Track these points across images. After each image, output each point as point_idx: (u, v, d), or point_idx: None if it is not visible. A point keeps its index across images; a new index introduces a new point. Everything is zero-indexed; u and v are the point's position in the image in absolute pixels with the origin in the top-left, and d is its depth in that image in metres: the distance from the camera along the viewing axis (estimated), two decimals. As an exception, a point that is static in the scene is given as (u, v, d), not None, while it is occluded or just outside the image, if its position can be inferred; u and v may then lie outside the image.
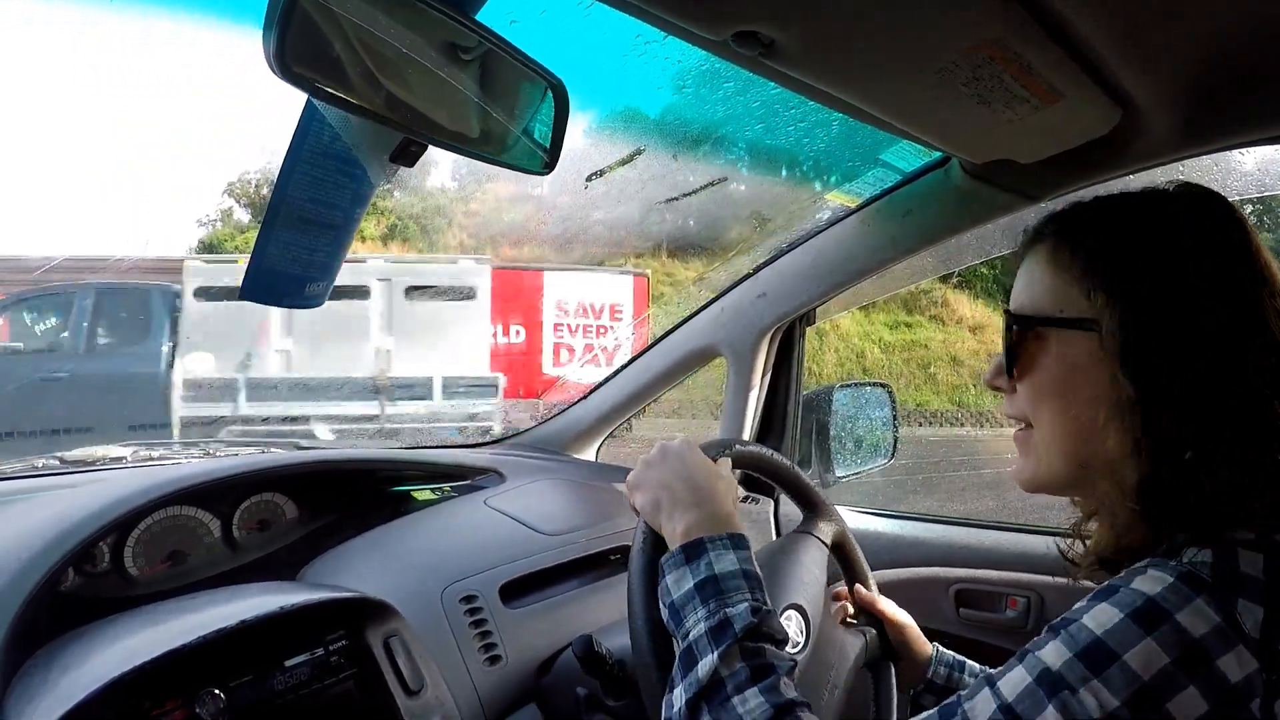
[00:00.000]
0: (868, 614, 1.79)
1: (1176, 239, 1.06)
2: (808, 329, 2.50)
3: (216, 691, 1.32)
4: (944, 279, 18.11)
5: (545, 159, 1.20)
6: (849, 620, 1.78)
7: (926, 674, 1.73)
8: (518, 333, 16.46)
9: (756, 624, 1.16)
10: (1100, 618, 0.92)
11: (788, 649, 1.39)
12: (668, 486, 1.37)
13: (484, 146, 1.14)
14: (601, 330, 21.77)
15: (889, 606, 1.79)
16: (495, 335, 16.16)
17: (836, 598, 1.79)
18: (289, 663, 1.44)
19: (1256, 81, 1.42)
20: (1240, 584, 0.92)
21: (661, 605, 1.28)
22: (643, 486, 1.41)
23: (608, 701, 1.55)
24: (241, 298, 1.13)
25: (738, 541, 1.28)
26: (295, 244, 1.13)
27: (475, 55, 1.07)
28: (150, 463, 2.04)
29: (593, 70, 1.30)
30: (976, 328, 19.80)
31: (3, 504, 1.62)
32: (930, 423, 18.03)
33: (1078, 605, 0.97)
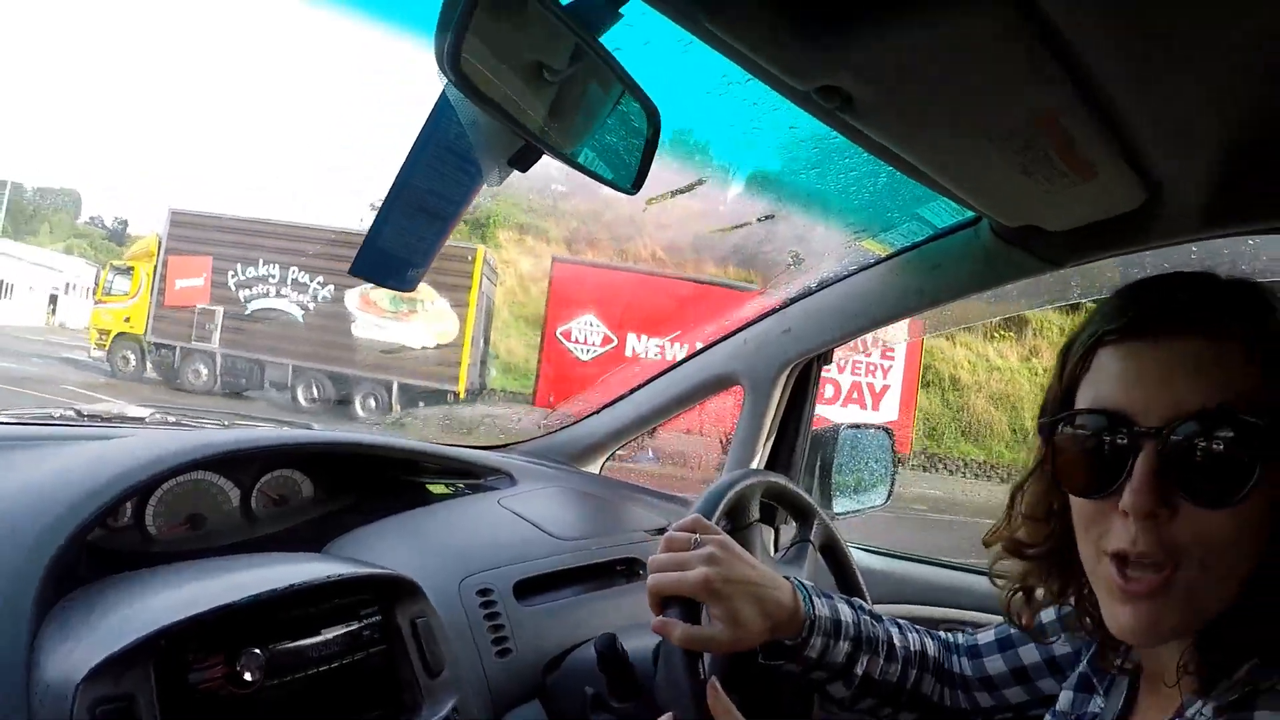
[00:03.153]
0: None
1: None
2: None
3: (257, 651, 1.36)
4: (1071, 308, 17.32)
5: (635, 178, 1.27)
6: None
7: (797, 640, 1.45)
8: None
9: None
10: None
11: None
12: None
13: (589, 160, 1.21)
14: (871, 369, 21.18)
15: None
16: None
17: None
18: (326, 632, 1.48)
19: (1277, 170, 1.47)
20: None
21: None
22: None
23: (613, 702, 1.61)
24: (351, 272, 1.19)
25: None
26: (407, 229, 1.20)
27: (591, 75, 1.15)
28: (168, 426, 2.07)
29: (677, 103, 1.36)
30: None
31: (31, 448, 1.63)
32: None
33: None
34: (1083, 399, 1.09)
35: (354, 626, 1.53)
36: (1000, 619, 1.50)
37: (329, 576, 1.50)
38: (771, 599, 1.40)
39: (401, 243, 1.22)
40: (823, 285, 2.35)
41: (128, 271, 24.93)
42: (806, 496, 1.96)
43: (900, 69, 1.18)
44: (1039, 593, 1.28)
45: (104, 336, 24.62)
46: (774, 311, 2.45)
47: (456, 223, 1.25)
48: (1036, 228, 1.80)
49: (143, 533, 1.71)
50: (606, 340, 20.52)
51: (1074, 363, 1.11)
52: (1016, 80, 1.19)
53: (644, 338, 19.85)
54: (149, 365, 24.27)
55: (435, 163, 1.16)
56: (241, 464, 1.87)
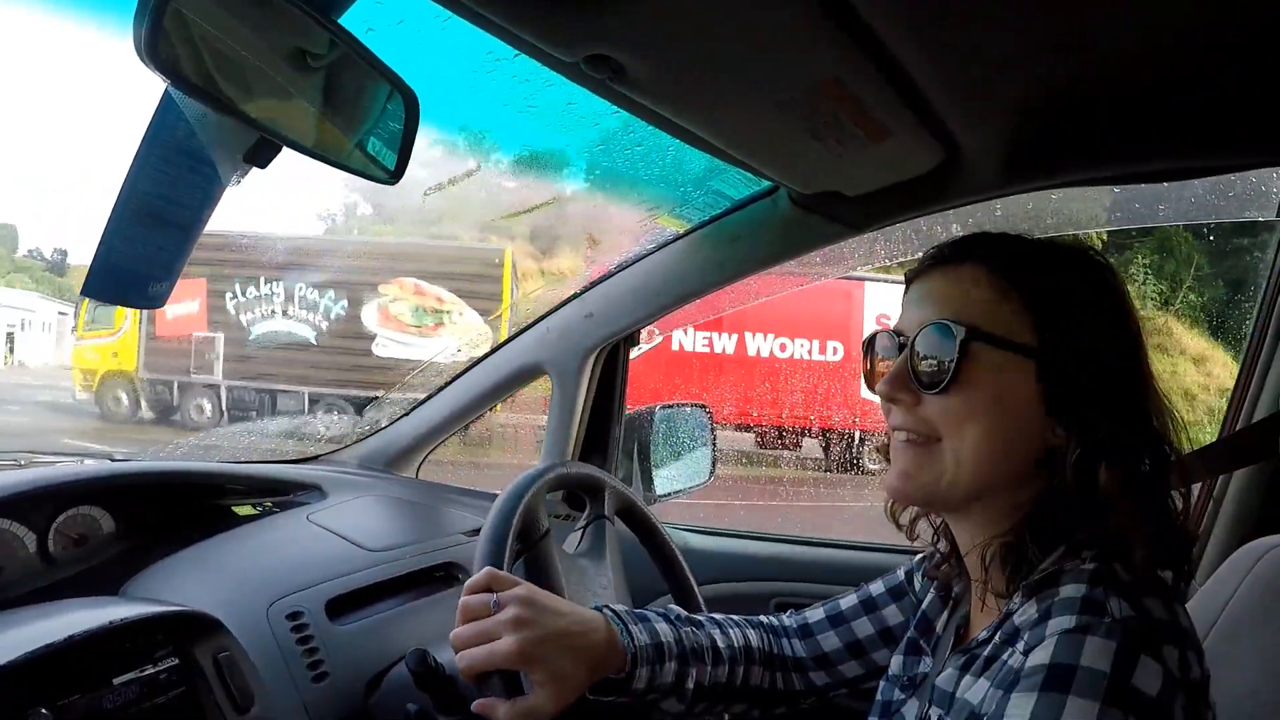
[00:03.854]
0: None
1: (1107, 298, 1.19)
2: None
3: (44, 711, 1.27)
4: (1164, 305, 17.57)
5: (394, 168, 1.19)
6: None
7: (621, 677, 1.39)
8: (835, 350, 15.64)
9: None
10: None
11: None
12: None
13: (334, 151, 1.12)
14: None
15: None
16: (810, 351, 15.55)
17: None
18: (117, 680, 1.39)
19: (1072, 129, 1.51)
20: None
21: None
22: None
23: (439, 718, 1.54)
24: (84, 294, 1.09)
25: None
26: (142, 240, 1.09)
27: (333, 58, 1.06)
28: None
29: (443, 85, 1.29)
30: (1199, 359, 19.22)
31: None
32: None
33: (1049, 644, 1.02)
34: None
35: (148, 671, 1.44)
36: (819, 585, 1.67)
37: (110, 622, 1.40)
38: (587, 645, 1.35)
39: (138, 256, 1.11)
40: (622, 267, 2.32)
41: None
42: (590, 470, 1.88)
43: (669, 35, 1.15)
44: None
45: (89, 376, 21.67)
46: (575, 297, 2.41)
47: (201, 228, 1.15)
48: (835, 193, 1.80)
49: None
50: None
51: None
52: (794, 45, 1.19)
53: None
54: (144, 404, 21.27)
55: (165, 166, 1.06)
56: (32, 505, 1.75)
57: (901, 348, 1.23)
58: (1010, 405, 1.16)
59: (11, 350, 46.31)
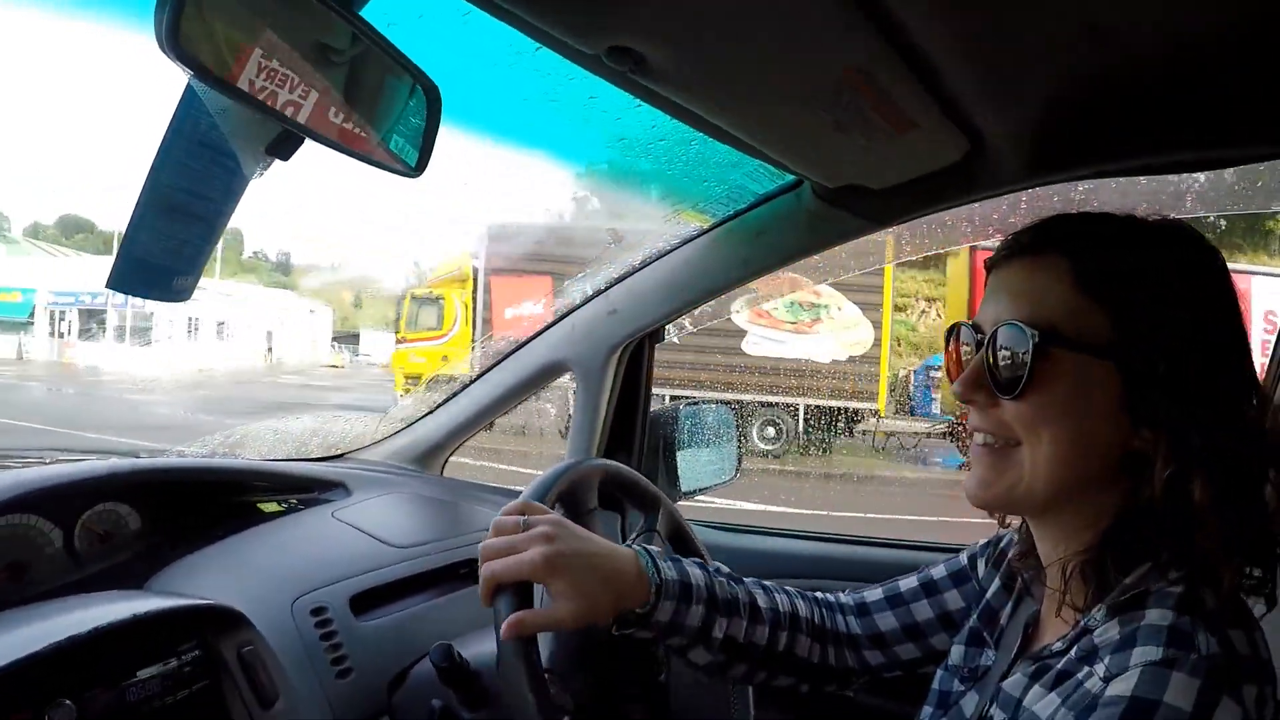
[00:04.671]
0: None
1: (1205, 288, 1.13)
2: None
3: (68, 702, 1.28)
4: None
5: (416, 161, 1.18)
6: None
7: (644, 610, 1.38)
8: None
9: None
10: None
11: None
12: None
13: (358, 144, 1.12)
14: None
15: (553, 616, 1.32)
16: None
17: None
18: (141, 673, 1.40)
19: (1098, 120, 1.49)
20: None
21: None
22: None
23: (464, 714, 1.54)
24: (109, 286, 1.09)
25: None
26: (166, 233, 1.10)
27: (354, 52, 1.06)
28: None
29: (465, 80, 1.29)
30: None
31: None
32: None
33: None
34: None
35: (172, 664, 1.45)
36: (851, 583, 1.63)
37: (134, 615, 1.40)
38: (614, 568, 1.36)
39: (162, 249, 1.11)
40: (646, 263, 2.31)
41: (435, 301, 21.30)
42: (650, 485, 1.85)
43: (691, 25, 1.15)
44: None
45: (413, 381, 19.93)
46: (599, 294, 2.41)
47: (224, 223, 1.15)
48: (859, 187, 1.80)
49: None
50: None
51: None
52: (818, 35, 1.18)
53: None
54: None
55: (188, 159, 1.06)
56: (59, 501, 1.74)
57: (979, 345, 1.19)
58: (1090, 409, 1.11)
59: (270, 349, 46.20)
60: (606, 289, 2.39)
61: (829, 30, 1.15)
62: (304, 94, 1.01)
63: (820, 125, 1.46)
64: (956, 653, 1.37)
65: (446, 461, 2.77)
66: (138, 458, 2.10)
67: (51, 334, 39.83)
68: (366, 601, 1.83)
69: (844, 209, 1.90)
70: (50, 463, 1.98)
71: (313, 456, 2.66)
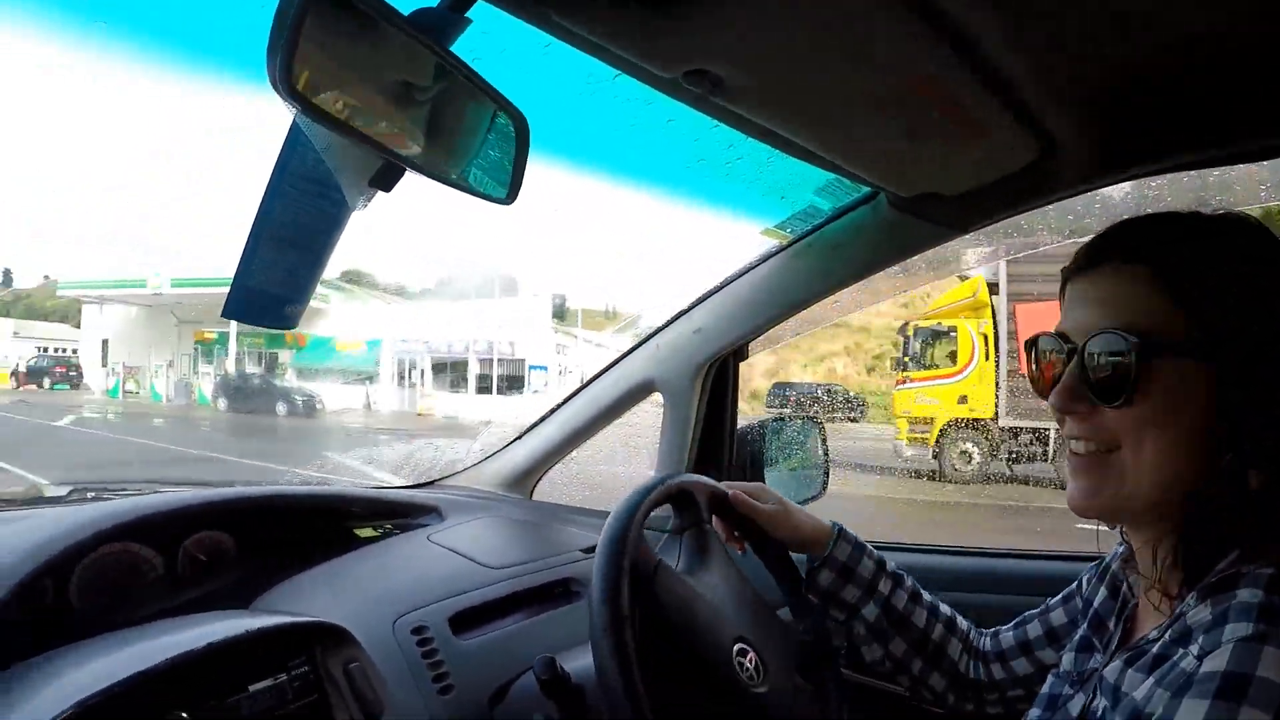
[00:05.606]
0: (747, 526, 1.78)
1: (1272, 276, 1.13)
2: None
3: (184, 715, 1.32)
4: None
5: (508, 190, 1.22)
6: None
7: (826, 551, 1.74)
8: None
9: None
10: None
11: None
12: None
13: (456, 174, 1.17)
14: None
15: (760, 505, 1.75)
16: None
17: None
18: (253, 688, 1.43)
19: (1164, 112, 1.49)
20: None
21: None
22: None
23: None
24: (225, 315, 1.14)
25: None
26: (277, 264, 1.15)
27: (443, 85, 1.10)
28: (85, 501, 2.00)
29: (548, 108, 1.33)
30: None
31: None
32: None
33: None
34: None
35: (281, 679, 1.48)
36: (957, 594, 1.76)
37: (247, 631, 1.45)
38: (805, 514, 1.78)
39: (273, 279, 1.16)
40: (727, 281, 2.33)
41: (946, 334, 18.17)
42: (675, 480, 1.73)
43: (765, 44, 1.17)
44: None
45: (922, 428, 17.79)
46: (683, 314, 2.43)
47: (330, 253, 1.20)
48: (934, 194, 1.81)
49: (67, 609, 1.62)
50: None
51: (1060, 298, 1.28)
52: (886, 46, 1.20)
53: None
54: (997, 459, 16.92)
55: (295, 192, 1.11)
56: (160, 530, 1.79)
57: (1071, 354, 1.19)
58: (1189, 411, 1.11)
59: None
60: (689, 309, 2.41)
61: (895, 39, 1.17)
62: (403, 127, 1.07)
63: (892, 134, 1.48)
64: (1067, 660, 1.40)
65: (536, 485, 2.79)
66: (233, 486, 2.17)
67: (401, 383, 38.66)
68: (465, 621, 1.86)
69: (920, 217, 1.91)
70: (148, 493, 2.05)
71: (407, 484, 2.71)
